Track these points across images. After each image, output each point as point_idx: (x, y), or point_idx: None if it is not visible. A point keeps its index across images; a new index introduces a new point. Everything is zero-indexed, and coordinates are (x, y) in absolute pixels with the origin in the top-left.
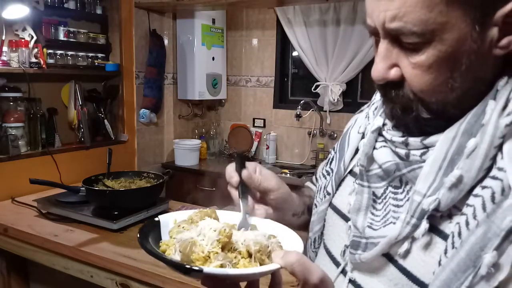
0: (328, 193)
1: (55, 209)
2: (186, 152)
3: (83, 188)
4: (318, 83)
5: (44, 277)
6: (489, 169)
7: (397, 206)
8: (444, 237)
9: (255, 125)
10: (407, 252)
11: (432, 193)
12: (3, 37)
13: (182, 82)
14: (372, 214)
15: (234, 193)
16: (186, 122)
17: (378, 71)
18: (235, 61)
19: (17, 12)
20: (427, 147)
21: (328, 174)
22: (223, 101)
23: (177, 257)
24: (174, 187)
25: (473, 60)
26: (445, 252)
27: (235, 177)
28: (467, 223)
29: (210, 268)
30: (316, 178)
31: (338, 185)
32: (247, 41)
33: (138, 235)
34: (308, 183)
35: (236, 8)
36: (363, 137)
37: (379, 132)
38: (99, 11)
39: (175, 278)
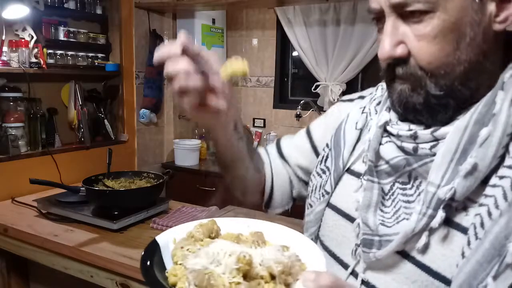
0: (327, 192)
1: (55, 209)
2: (186, 152)
3: (83, 188)
4: (318, 83)
5: (44, 277)
6: (502, 157)
7: (408, 201)
8: (462, 229)
9: (255, 125)
10: (425, 247)
11: (446, 183)
12: (3, 37)
13: None
14: (382, 211)
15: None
16: (186, 122)
17: (385, 49)
18: None
19: (17, 12)
20: (437, 140)
21: (324, 172)
22: None
23: None
24: (174, 187)
25: (476, 32)
26: (468, 243)
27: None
28: (489, 214)
29: None
30: (279, 148)
31: (336, 183)
32: (247, 41)
33: (142, 269)
34: (261, 149)
35: (236, 8)
36: (360, 133)
37: (384, 127)
38: (99, 11)
39: None
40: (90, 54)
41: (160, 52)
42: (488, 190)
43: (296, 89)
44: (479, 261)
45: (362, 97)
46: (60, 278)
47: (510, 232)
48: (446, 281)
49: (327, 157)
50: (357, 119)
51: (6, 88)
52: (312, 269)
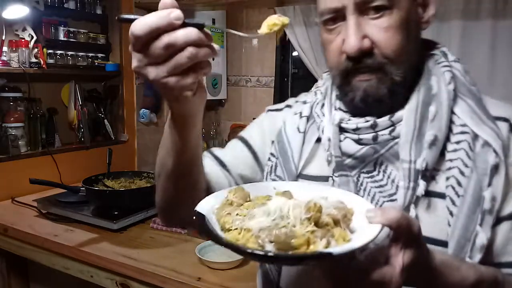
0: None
1: (55, 209)
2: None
3: (83, 188)
4: None
5: (44, 277)
6: (449, 129)
7: (381, 186)
8: (438, 195)
9: None
10: (416, 219)
11: (416, 157)
12: (3, 37)
13: None
14: None
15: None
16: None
17: (353, 42)
18: (235, 61)
19: (17, 12)
20: (393, 124)
21: None
22: (223, 101)
23: (269, 249)
24: None
25: (416, 29)
26: (453, 202)
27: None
28: (461, 173)
29: (338, 248)
30: (215, 157)
31: None
32: (247, 41)
33: (215, 239)
34: (207, 159)
35: (236, 8)
36: (304, 136)
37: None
38: (99, 11)
39: (174, 278)
40: (90, 54)
41: (148, 22)
42: (450, 155)
43: (296, 89)
44: (467, 214)
45: (289, 106)
46: (60, 278)
47: (481, 183)
48: (443, 243)
49: (275, 166)
50: (297, 124)
51: (6, 88)
52: (359, 211)
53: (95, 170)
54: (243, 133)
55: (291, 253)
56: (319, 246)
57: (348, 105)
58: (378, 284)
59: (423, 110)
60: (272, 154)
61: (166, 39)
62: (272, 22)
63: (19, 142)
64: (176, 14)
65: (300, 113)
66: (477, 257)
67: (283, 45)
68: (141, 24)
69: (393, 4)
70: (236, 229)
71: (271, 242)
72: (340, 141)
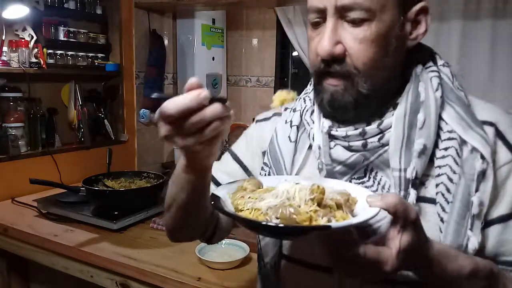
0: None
1: (55, 209)
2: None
3: (83, 188)
4: None
5: (44, 277)
6: (437, 135)
7: None
8: (428, 200)
9: None
10: None
11: (406, 165)
12: (3, 37)
13: (182, 82)
14: None
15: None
16: None
17: (325, 46)
18: (235, 61)
19: (17, 12)
20: (382, 132)
21: None
22: None
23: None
24: None
25: (398, 45)
26: (443, 209)
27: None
28: (450, 179)
29: (337, 223)
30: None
31: None
32: (247, 41)
33: (226, 213)
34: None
35: (236, 8)
36: (295, 144)
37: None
38: (99, 11)
39: (174, 278)
40: (90, 54)
41: (183, 100)
42: (439, 162)
43: (296, 89)
44: (457, 220)
45: (278, 114)
46: (60, 278)
47: (469, 189)
48: None
49: (268, 175)
50: (288, 133)
51: (6, 88)
52: (362, 199)
53: (95, 170)
54: (233, 147)
55: (293, 225)
56: (320, 223)
57: (319, 106)
58: (373, 263)
59: (411, 118)
60: (265, 163)
61: (196, 118)
62: (283, 97)
63: (19, 142)
64: (204, 95)
65: (291, 121)
66: None
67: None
68: (174, 105)
69: (373, 17)
70: (248, 209)
71: (277, 218)
72: (331, 148)
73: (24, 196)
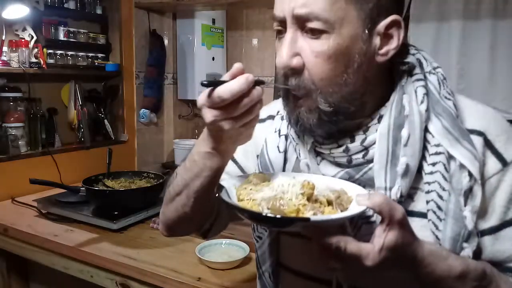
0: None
1: (55, 209)
2: (186, 152)
3: (83, 188)
4: None
5: (44, 277)
6: (424, 148)
7: None
8: (417, 214)
9: None
10: None
11: (391, 184)
12: (3, 37)
13: (182, 82)
14: None
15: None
16: (186, 122)
17: (282, 58)
18: (235, 61)
19: (17, 12)
20: (366, 148)
21: None
22: None
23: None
24: None
25: (363, 60)
26: (436, 227)
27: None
28: (440, 197)
29: (316, 216)
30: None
31: None
32: (247, 41)
33: (226, 203)
34: None
35: (236, 8)
36: (285, 155)
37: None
38: (99, 11)
39: (174, 278)
40: (90, 54)
41: (237, 85)
42: (427, 178)
43: None
44: (452, 237)
45: (272, 117)
46: (60, 278)
47: (459, 204)
48: None
49: None
50: (277, 143)
51: (6, 88)
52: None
53: (95, 170)
54: None
55: (278, 216)
56: (306, 215)
57: (291, 126)
58: (355, 257)
59: (395, 133)
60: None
61: (247, 100)
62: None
63: (19, 142)
64: (252, 79)
65: (279, 131)
66: None
67: None
68: (228, 90)
69: (331, 29)
70: (248, 199)
71: (268, 209)
72: (318, 164)
73: (24, 196)
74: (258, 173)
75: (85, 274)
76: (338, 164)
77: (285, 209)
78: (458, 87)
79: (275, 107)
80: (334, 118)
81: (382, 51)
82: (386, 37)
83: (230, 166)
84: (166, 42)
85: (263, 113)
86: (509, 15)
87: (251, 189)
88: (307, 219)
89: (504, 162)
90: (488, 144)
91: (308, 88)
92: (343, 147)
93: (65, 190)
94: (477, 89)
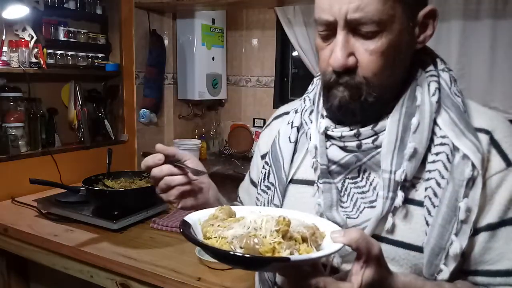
0: (277, 206)
1: (55, 209)
2: (186, 152)
3: (83, 188)
4: None
5: (44, 277)
6: (431, 139)
7: (363, 192)
8: (417, 203)
9: (255, 125)
10: (393, 227)
11: (396, 168)
12: (3, 37)
13: (182, 82)
14: (341, 207)
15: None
16: (186, 122)
17: (338, 59)
18: (235, 61)
19: (17, 12)
20: (376, 134)
21: (269, 188)
22: (223, 101)
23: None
24: None
25: (407, 50)
26: (429, 213)
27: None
28: (438, 184)
29: (296, 256)
30: (240, 201)
31: (283, 196)
32: (247, 41)
33: (191, 240)
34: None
35: (236, 8)
36: (295, 145)
37: (325, 133)
38: (99, 11)
39: (174, 278)
40: (90, 54)
41: (145, 162)
42: (430, 166)
43: (296, 89)
44: (441, 224)
45: (287, 113)
46: (60, 278)
47: (457, 194)
48: (419, 249)
49: (268, 173)
50: (289, 134)
51: (6, 88)
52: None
53: (95, 170)
54: (259, 143)
55: (252, 256)
56: (282, 255)
57: (328, 111)
58: None
59: (406, 122)
60: (266, 162)
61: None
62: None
63: (19, 142)
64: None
65: (292, 122)
66: (452, 265)
67: (282, 45)
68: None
69: (384, 28)
70: (216, 237)
71: (241, 248)
72: (327, 148)
73: (24, 196)
74: (223, 207)
75: (85, 274)
76: (347, 150)
77: (260, 248)
78: (461, 89)
79: (293, 105)
80: (375, 106)
81: (420, 39)
82: (423, 25)
83: (251, 187)
84: (166, 42)
85: (281, 109)
86: (509, 15)
87: (219, 226)
88: (287, 259)
89: (508, 162)
90: (494, 143)
91: (359, 83)
92: (354, 131)
93: (65, 190)
94: (477, 89)
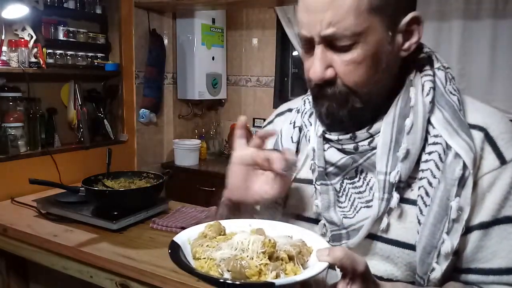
0: (279, 204)
1: (54, 209)
2: (186, 152)
3: (83, 188)
4: None
5: (43, 277)
6: (425, 139)
7: (360, 192)
8: (412, 202)
9: (255, 125)
10: (388, 226)
11: (391, 169)
12: (3, 37)
13: (182, 82)
14: (339, 207)
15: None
16: (186, 122)
17: (316, 73)
18: (235, 61)
19: (17, 12)
20: (372, 136)
21: None
22: (223, 101)
23: (226, 276)
24: (174, 187)
25: (389, 59)
26: (421, 211)
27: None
28: (429, 183)
29: (281, 279)
30: None
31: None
32: (247, 41)
33: (179, 265)
34: None
35: (236, 8)
36: (298, 145)
37: (323, 136)
38: (98, 11)
39: (174, 278)
40: (90, 54)
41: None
42: (423, 166)
43: (296, 88)
44: (433, 223)
45: (290, 110)
46: (59, 278)
47: (449, 193)
48: (413, 247)
49: None
50: (291, 134)
51: (6, 88)
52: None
53: (94, 170)
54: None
55: (240, 282)
56: (269, 277)
57: (318, 118)
58: None
59: (400, 123)
60: None
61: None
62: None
63: (19, 142)
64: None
65: (294, 122)
66: (444, 263)
67: (282, 45)
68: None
69: (359, 40)
70: (204, 258)
71: (228, 271)
72: (325, 150)
73: (24, 196)
74: (212, 223)
75: (84, 274)
76: (345, 151)
77: (247, 271)
78: (458, 86)
79: (295, 102)
80: (363, 112)
81: (405, 46)
82: (407, 33)
83: None
84: (166, 41)
85: (284, 106)
86: (509, 15)
87: (207, 246)
88: (272, 284)
89: (503, 160)
90: (489, 140)
91: (342, 93)
92: (350, 134)
93: (64, 190)
94: (477, 89)
